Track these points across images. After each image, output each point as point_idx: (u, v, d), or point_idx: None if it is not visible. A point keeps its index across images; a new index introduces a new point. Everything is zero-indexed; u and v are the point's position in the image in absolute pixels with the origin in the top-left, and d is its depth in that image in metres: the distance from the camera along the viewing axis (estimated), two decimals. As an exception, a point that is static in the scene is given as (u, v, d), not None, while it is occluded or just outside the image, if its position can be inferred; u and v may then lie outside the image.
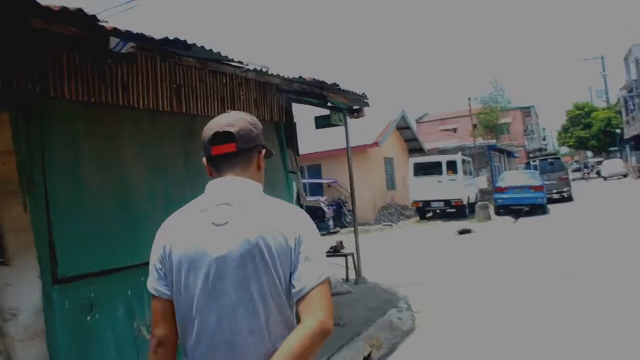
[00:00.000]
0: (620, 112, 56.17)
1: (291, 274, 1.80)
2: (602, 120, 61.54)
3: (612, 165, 51.83)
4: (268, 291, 1.78)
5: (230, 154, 1.93)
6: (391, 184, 25.53)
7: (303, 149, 22.95)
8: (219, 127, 1.93)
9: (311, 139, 20.91)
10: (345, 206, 22.73)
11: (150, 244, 1.97)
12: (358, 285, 9.68)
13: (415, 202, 22.53)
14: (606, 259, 10.79)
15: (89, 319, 4.20)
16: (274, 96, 7.14)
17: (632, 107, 47.67)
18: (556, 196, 26.56)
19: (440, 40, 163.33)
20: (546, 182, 25.25)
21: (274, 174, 6.94)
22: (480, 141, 33.22)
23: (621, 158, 56.93)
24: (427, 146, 30.31)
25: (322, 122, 10.61)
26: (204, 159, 2.00)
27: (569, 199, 27.17)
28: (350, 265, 10.20)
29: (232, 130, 1.91)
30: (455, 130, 54.68)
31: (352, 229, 21.39)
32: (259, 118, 2.17)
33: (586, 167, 54.99)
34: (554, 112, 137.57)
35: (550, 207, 23.58)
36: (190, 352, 1.83)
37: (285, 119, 7.55)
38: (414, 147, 28.53)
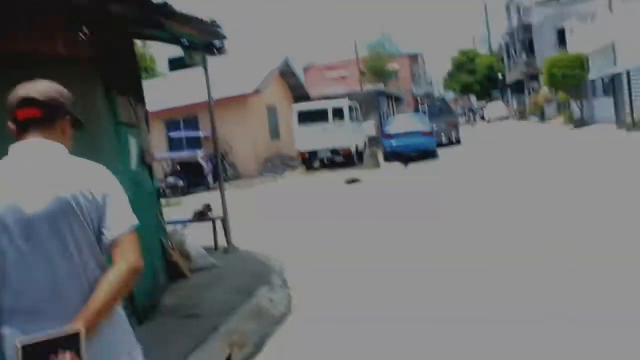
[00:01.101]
0: (502, 58, 57.36)
1: (101, 226, 2.00)
2: (486, 66, 62.84)
3: (495, 108, 53.15)
4: (82, 242, 1.98)
5: (35, 118, 2.03)
6: (275, 134, 23.98)
7: (179, 100, 21.01)
8: (25, 92, 2.04)
9: (189, 88, 19.18)
10: (225, 159, 21.02)
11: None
12: (228, 255, 8.10)
13: (301, 152, 21.13)
14: (494, 199, 10.72)
15: None
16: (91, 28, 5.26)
17: (513, 53, 48.49)
18: (445, 141, 26.16)
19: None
20: (434, 127, 24.78)
21: (95, 128, 5.09)
22: (368, 87, 32.16)
23: (503, 101, 58.59)
24: (314, 94, 28.94)
25: (176, 63, 8.77)
26: (10, 123, 2.07)
27: (457, 142, 26.91)
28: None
29: (37, 96, 2.03)
30: (343, 78, 53.69)
31: (234, 184, 20.03)
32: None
33: (472, 111, 55.37)
34: (440, 58, 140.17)
35: (439, 151, 23.08)
36: (11, 308, 1.94)
37: (114, 58, 5.71)
38: (300, 95, 27.00)
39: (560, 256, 6.23)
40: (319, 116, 20.73)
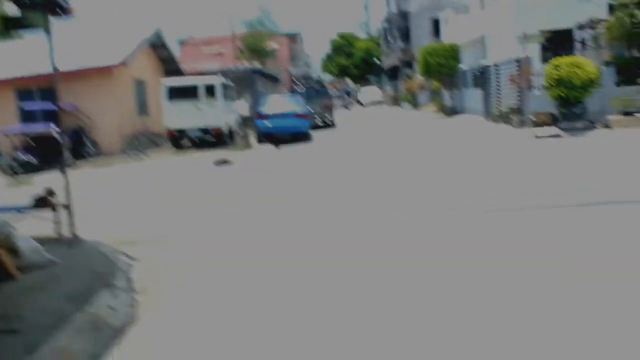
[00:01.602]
0: (379, 44, 58.30)
1: None
2: (363, 50, 63.74)
3: (370, 92, 54.07)
4: None
5: None
6: (143, 110, 22.55)
7: (35, 67, 19.00)
8: None
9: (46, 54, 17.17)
10: (86, 135, 19.46)
11: None
12: (72, 249, 6.99)
13: (169, 130, 19.96)
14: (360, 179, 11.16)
15: None
16: None
17: (390, 39, 49.32)
18: (320, 122, 25.93)
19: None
20: (310, 109, 24.48)
21: None
22: (244, 65, 31.25)
23: (379, 87, 59.71)
24: (189, 69, 27.66)
25: (12, 25, 7.56)
26: None
27: (332, 125, 26.79)
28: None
29: None
30: (220, 54, 52.26)
31: (94, 161, 18.59)
32: None
33: (348, 93, 55.58)
34: (320, 40, 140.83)
35: (313, 133, 22.80)
36: None
37: None
38: (172, 69, 25.60)
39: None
40: (189, 93, 19.66)
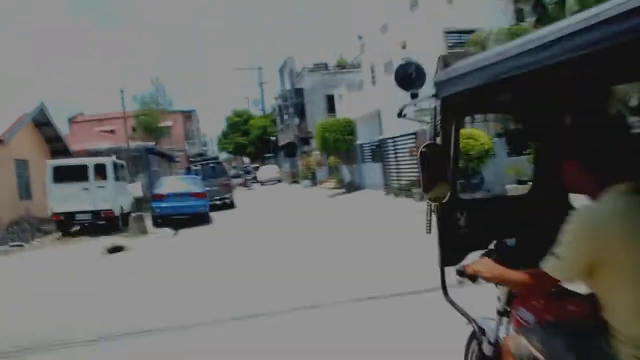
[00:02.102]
0: (274, 121, 58.69)
1: None
2: (259, 128, 63.90)
3: (268, 170, 53.79)
4: None
5: None
6: (25, 192, 20.80)
7: None
8: None
9: None
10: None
11: None
12: None
13: (55, 214, 18.30)
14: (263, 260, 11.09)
15: None
16: None
17: (285, 116, 49.74)
18: (218, 202, 25.02)
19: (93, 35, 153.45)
20: (208, 188, 23.63)
21: None
22: (137, 143, 30.02)
23: (276, 164, 59.68)
24: (78, 148, 26.10)
25: None
26: None
27: (231, 205, 25.95)
28: None
29: None
30: (113, 132, 50.42)
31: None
32: None
33: (247, 172, 54.61)
34: (214, 117, 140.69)
35: (212, 214, 21.88)
36: None
37: None
38: (59, 149, 24.09)
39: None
40: (78, 173, 18.27)
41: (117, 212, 18.63)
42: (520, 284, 2.33)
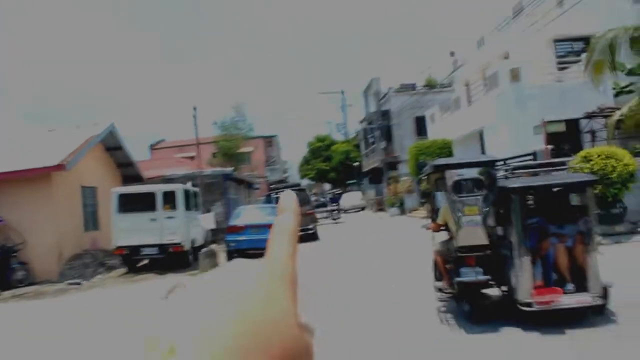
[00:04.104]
0: (358, 145, 56.05)
1: None
2: (342, 153, 61.40)
3: (351, 197, 50.83)
4: None
5: None
6: (92, 223, 18.91)
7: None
8: None
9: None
10: (15, 256, 15.72)
11: None
12: None
13: (119, 248, 16.20)
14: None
15: None
16: None
17: (370, 140, 46.98)
18: (301, 234, 22.47)
19: (176, 61, 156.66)
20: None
21: None
22: (214, 169, 28.04)
23: (359, 190, 56.88)
24: (153, 174, 24.35)
25: None
26: None
27: (314, 237, 23.36)
28: None
29: None
30: (193, 158, 49.36)
31: (24, 290, 14.84)
32: None
33: (333, 200, 40.94)
34: (296, 143, 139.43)
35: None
36: None
37: None
38: (130, 175, 22.34)
39: None
40: (144, 202, 16.17)
41: (187, 246, 16.37)
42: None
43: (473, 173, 9.23)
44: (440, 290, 8.37)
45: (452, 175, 8.51)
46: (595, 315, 6.91)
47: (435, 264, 8.68)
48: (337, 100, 64.71)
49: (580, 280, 7.02)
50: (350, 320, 8.19)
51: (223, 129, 45.19)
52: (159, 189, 16.52)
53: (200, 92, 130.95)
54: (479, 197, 7.94)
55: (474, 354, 6.35)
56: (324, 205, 35.48)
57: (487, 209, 7.72)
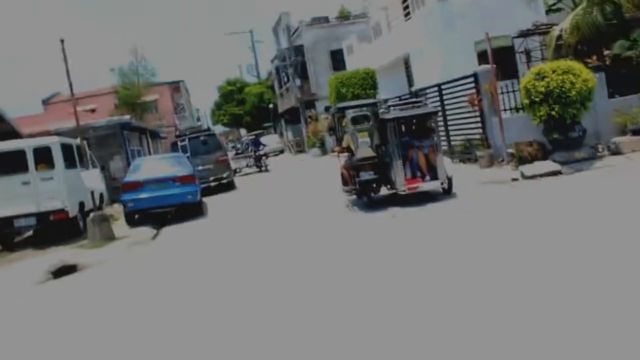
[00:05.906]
0: (272, 86, 52.98)
1: None
2: (255, 95, 58.33)
3: (269, 141, 48.03)
4: None
5: None
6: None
7: None
8: None
9: None
10: None
11: None
12: None
13: (-15, 222, 13.12)
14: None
15: None
16: None
17: (285, 79, 44.07)
18: (213, 184, 19.90)
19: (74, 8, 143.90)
20: (200, 168, 18.55)
21: None
22: (109, 119, 24.61)
23: (276, 133, 54.28)
24: (40, 129, 20.67)
25: None
26: None
27: (230, 185, 20.81)
28: None
29: None
30: (94, 111, 45.03)
31: None
32: None
33: (256, 145, 32.70)
34: (207, 89, 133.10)
35: (207, 200, 16.88)
36: None
37: None
38: (4, 131, 18.78)
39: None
40: (12, 162, 12.97)
41: (73, 212, 13.39)
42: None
43: (364, 111, 11.73)
44: (347, 191, 12.19)
45: (349, 113, 11.63)
46: (444, 195, 11.04)
47: (342, 175, 12.39)
48: (246, 41, 60.92)
49: (433, 173, 10.92)
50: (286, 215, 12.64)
51: (122, 76, 41.17)
52: (28, 144, 13.25)
53: (96, 39, 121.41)
54: (368, 126, 11.44)
55: (372, 222, 10.00)
56: (246, 152, 31.06)
57: (373, 133, 11.38)
